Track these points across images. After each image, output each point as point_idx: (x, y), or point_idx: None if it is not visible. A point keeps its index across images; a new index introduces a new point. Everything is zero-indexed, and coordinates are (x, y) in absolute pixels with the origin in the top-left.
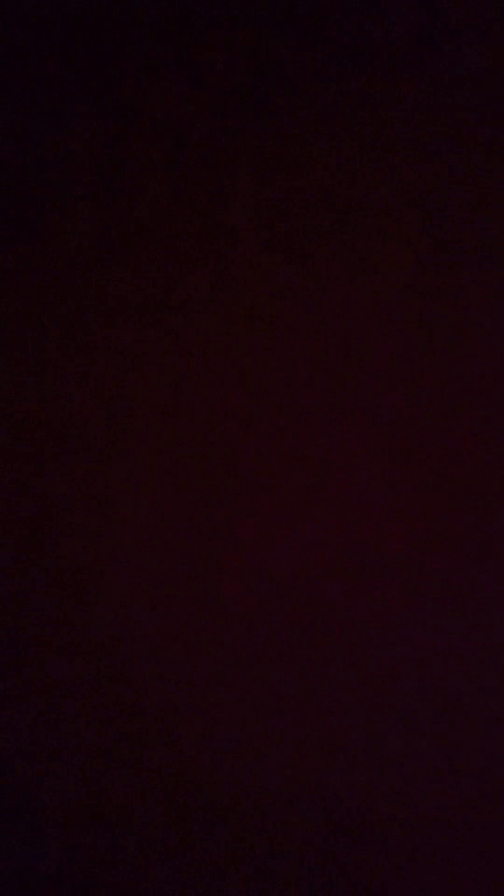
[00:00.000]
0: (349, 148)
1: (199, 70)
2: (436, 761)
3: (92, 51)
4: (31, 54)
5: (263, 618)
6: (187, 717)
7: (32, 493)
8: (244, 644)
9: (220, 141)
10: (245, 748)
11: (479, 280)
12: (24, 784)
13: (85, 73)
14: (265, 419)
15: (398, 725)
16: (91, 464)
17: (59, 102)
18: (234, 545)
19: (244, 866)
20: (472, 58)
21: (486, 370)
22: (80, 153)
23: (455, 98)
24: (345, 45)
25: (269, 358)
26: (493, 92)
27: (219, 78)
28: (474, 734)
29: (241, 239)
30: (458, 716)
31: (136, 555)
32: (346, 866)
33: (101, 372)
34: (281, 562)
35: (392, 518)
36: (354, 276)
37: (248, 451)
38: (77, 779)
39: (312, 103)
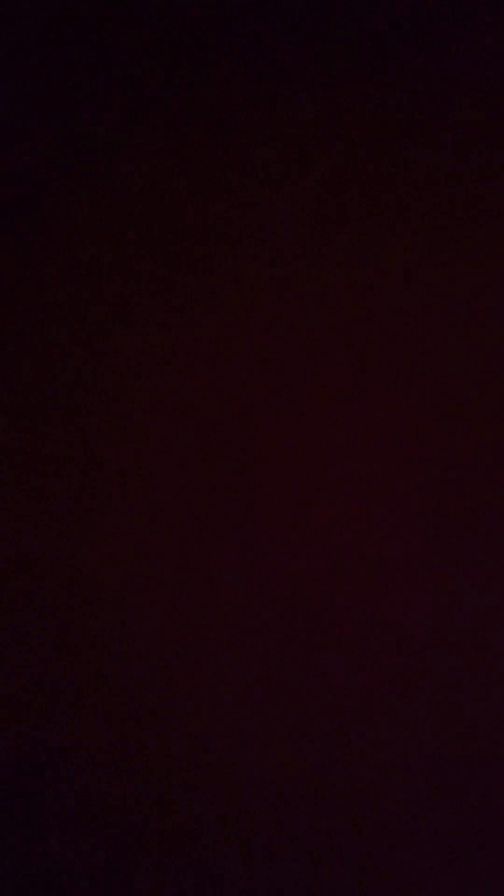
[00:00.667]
0: (351, 146)
1: (201, 71)
2: (439, 763)
3: (92, 52)
4: (31, 54)
5: (265, 613)
6: (187, 716)
7: (34, 491)
8: (245, 642)
9: (222, 140)
10: (246, 747)
11: (482, 278)
12: (24, 785)
13: (86, 74)
14: (266, 415)
15: (400, 727)
16: (91, 462)
17: (59, 101)
18: (234, 545)
19: (244, 867)
20: (473, 56)
21: (489, 367)
22: (81, 153)
23: (457, 96)
24: (347, 42)
25: (271, 353)
26: (494, 88)
27: (220, 78)
28: (476, 734)
29: (242, 238)
30: (460, 716)
31: (137, 553)
32: (345, 866)
33: (102, 370)
34: (283, 556)
35: (394, 514)
36: (356, 274)
37: (250, 447)
38: (77, 782)
39: (314, 102)
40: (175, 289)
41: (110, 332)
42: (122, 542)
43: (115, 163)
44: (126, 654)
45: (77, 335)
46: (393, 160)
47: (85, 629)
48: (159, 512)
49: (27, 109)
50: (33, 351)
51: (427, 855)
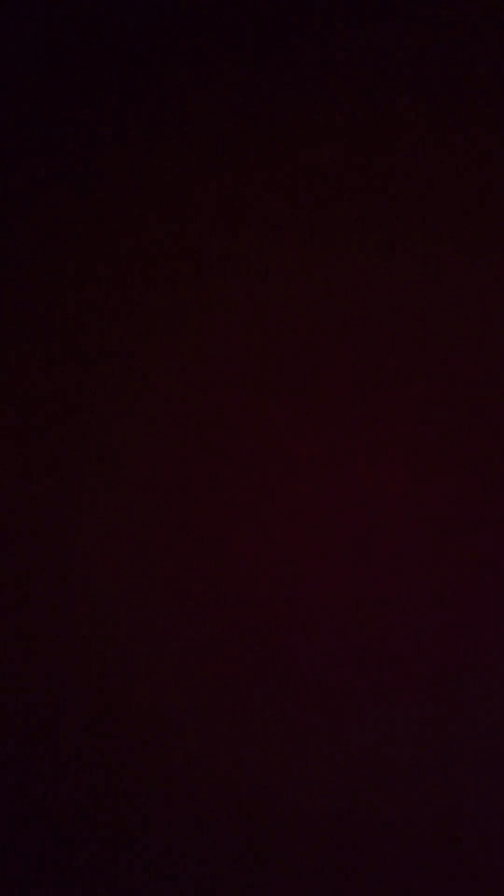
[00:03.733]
0: (355, 146)
1: (203, 71)
2: (441, 768)
3: (94, 55)
4: (31, 58)
5: (263, 617)
6: (185, 720)
7: (35, 490)
8: (244, 647)
9: (225, 141)
10: (245, 751)
11: (482, 276)
12: (23, 789)
13: (87, 76)
14: (266, 414)
15: (402, 730)
16: (87, 463)
17: (59, 102)
18: (233, 545)
19: (243, 873)
20: (475, 55)
21: (488, 366)
22: (81, 155)
23: (458, 94)
24: (349, 42)
25: (271, 350)
26: (495, 88)
27: (223, 79)
28: (478, 737)
29: (243, 238)
30: (462, 720)
31: (137, 551)
32: (346, 867)
33: (100, 373)
34: (283, 554)
35: (394, 515)
36: (357, 274)
37: (250, 447)
38: (77, 787)
39: (317, 101)
40: (174, 291)
41: (108, 333)
42: (119, 542)
43: (114, 164)
44: (121, 651)
45: (75, 336)
46: (398, 158)
47: (80, 627)
48: (156, 512)
49: (27, 111)
50: (32, 352)
51: (427, 858)
